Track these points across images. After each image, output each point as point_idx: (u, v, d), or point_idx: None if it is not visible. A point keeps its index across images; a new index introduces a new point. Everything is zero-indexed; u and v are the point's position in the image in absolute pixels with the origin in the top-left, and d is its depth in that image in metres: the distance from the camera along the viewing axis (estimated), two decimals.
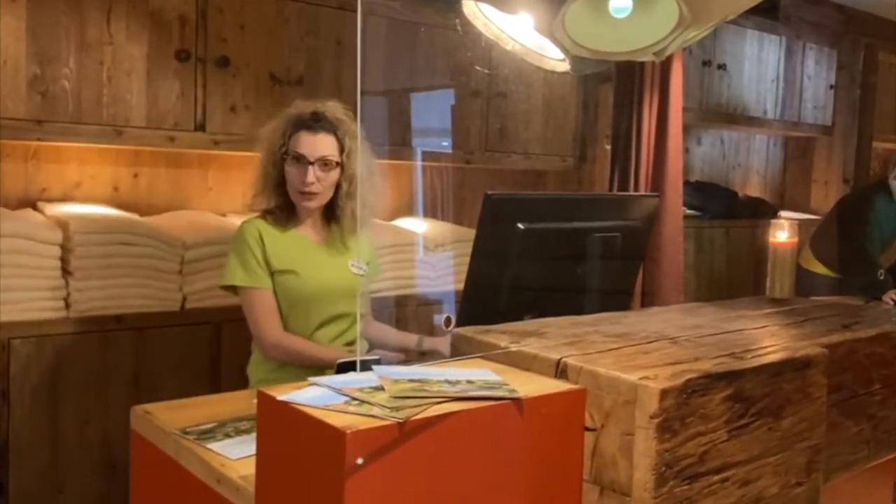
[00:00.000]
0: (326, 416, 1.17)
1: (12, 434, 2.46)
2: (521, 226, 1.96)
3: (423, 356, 2.25)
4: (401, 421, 1.16)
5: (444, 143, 3.40)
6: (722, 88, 4.46)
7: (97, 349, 2.58)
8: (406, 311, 3.15)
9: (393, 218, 3.61)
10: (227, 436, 1.63)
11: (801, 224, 2.52)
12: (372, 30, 3.11)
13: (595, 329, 1.72)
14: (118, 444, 2.56)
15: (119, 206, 2.93)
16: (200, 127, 2.78)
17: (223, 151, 2.92)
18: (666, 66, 3.62)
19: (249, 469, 1.38)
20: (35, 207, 2.79)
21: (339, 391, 1.27)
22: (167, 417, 1.72)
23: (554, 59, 1.97)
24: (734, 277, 4.57)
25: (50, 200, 2.84)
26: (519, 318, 1.84)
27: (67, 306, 2.55)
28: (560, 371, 1.43)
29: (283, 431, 1.25)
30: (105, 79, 2.61)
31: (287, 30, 2.93)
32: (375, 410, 1.19)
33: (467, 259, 2.00)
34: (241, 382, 2.29)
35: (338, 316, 2.23)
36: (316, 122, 2.17)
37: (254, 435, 1.37)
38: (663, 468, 1.31)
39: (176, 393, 2.54)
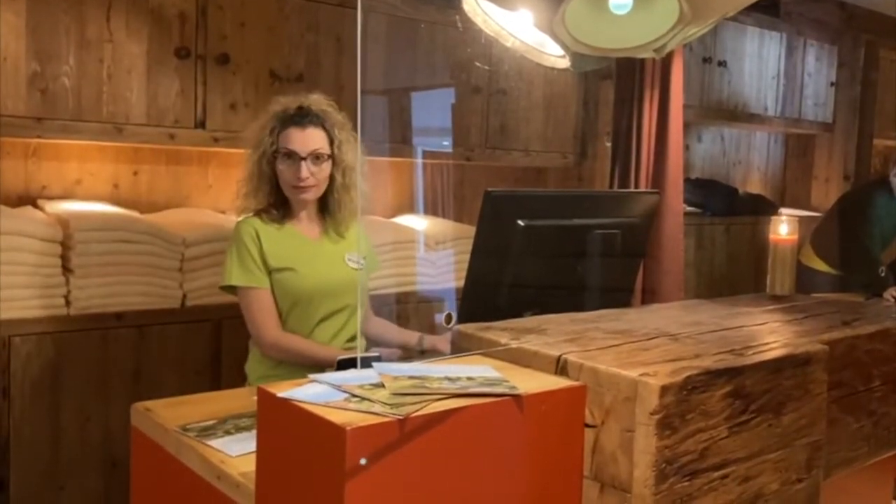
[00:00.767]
0: (327, 413, 1.17)
1: (13, 431, 2.46)
2: (521, 223, 1.96)
3: (423, 354, 2.25)
4: (401, 418, 1.16)
5: (445, 141, 3.40)
6: (722, 85, 4.46)
7: (98, 346, 2.58)
8: (407, 308, 3.15)
9: (393, 215, 3.61)
10: (228, 433, 1.63)
11: (802, 221, 2.52)
12: (372, 27, 3.10)
13: (595, 326, 1.72)
14: (119, 441, 2.57)
15: (119, 203, 2.93)
16: (200, 124, 2.78)
17: (223, 149, 2.92)
18: (666, 62, 3.61)
19: (250, 466, 1.38)
20: (35, 205, 2.79)
21: (340, 388, 1.27)
22: (168, 414, 1.73)
23: (554, 55, 1.97)
24: (734, 274, 4.57)
25: (50, 198, 2.84)
26: (519, 314, 1.84)
27: (68, 304, 2.55)
28: (560, 368, 1.43)
29: (284, 428, 1.25)
30: (105, 76, 2.60)
31: (287, 27, 2.93)
32: (376, 407, 1.19)
33: (468, 256, 2.00)
34: (242, 380, 2.29)
35: (338, 310, 2.22)
36: (303, 117, 2.17)
37: (254, 432, 1.37)
38: (663, 465, 1.31)
39: (176, 390, 2.56)
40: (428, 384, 1.29)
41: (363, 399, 1.23)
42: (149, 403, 1.81)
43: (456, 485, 1.24)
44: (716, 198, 4.61)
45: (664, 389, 1.30)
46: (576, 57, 1.90)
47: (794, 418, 1.54)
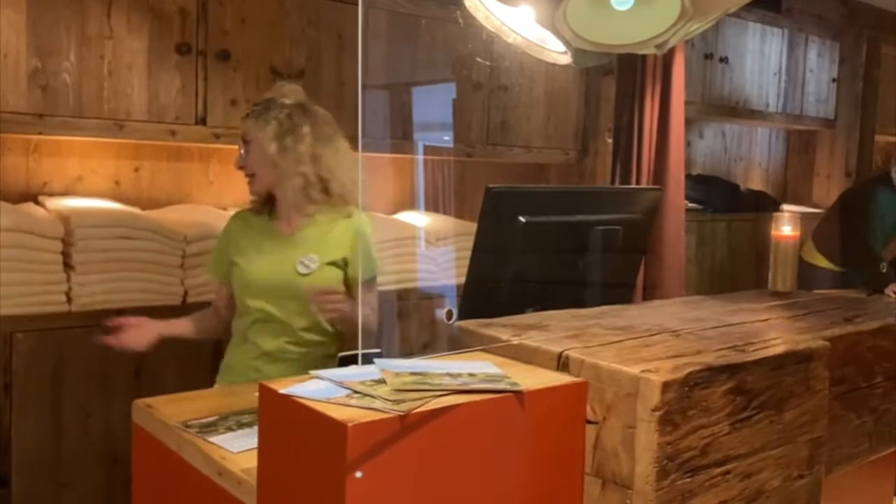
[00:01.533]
0: (328, 410, 1.17)
1: (15, 427, 2.46)
2: (522, 219, 1.96)
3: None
4: (402, 414, 1.16)
5: (446, 137, 3.39)
6: (724, 81, 4.45)
7: (99, 343, 2.58)
8: (408, 304, 3.15)
9: (394, 212, 3.61)
10: (229, 429, 1.63)
11: (804, 217, 2.52)
12: (373, 22, 3.10)
13: (597, 322, 1.72)
14: (120, 438, 2.56)
15: (120, 200, 2.93)
16: (201, 120, 2.78)
17: (224, 145, 2.92)
18: (668, 59, 3.61)
19: (251, 462, 1.38)
20: (36, 201, 2.79)
21: (341, 384, 1.27)
22: (169, 411, 1.73)
23: (556, 51, 1.96)
24: (736, 271, 4.57)
25: (51, 194, 2.84)
26: (521, 311, 1.84)
27: (69, 300, 2.55)
28: (562, 364, 1.43)
29: (285, 425, 1.25)
30: (106, 72, 2.60)
31: (288, 23, 2.93)
32: (377, 403, 1.19)
33: (469, 253, 2.00)
34: None
35: (273, 313, 2.12)
36: (256, 107, 2.16)
37: (255, 428, 1.37)
38: (665, 461, 1.31)
39: (178, 386, 2.55)
40: (429, 380, 1.29)
41: (365, 395, 1.23)
42: (150, 400, 1.81)
43: (457, 481, 1.24)
44: (717, 194, 4.61)
45: (666, 386, 1.30)
46: (577, 53, 1.90)
47: (795, 415, 1.54)
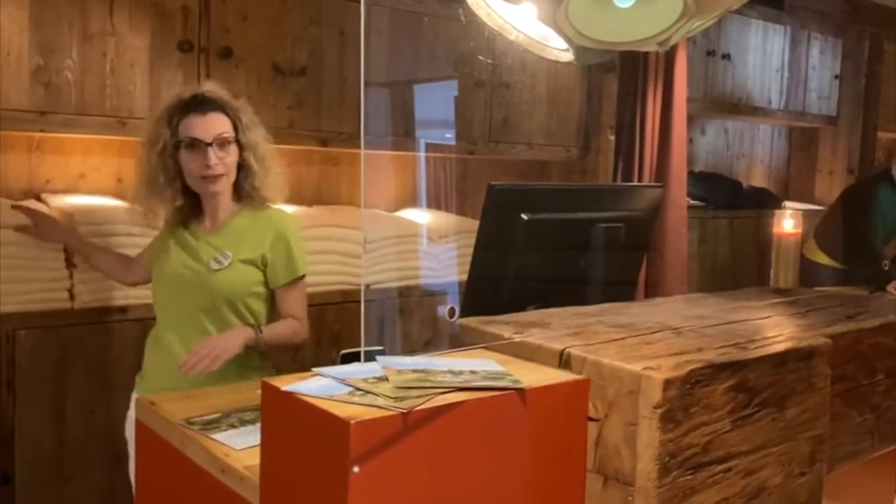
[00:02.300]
0: (331, 407, 1.17)
1: (18, 424, 2.47)
2: (524, 216, 1.96)
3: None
4: (405, 411, 1.16)
5: (448, 134, 3.39)
6: (726, 78, 4.45)
7: (102, 340, 2.58)
8: (410, 302, 3.15)
9: (396, 209, 3.61)
10: (232, 426, 1.63)
11: (806, 214, 2.52)
12: (375, 20, 3.10)
13: (599, 319, 1.72)
14: (123, 435, 2.57)
15: (123, 197, 2.93)
16: None
17: None
18: (670, 56, 3.61)
19: (254, 459, 1.38)
20: (39, 199, 2.79)
21: (344, 381, 1.28)
22: (172, 408, 1.73)
23: (557, 49, 1.96)
24: (738, 268, 4.56)
25: (54, 192, 2.84)
26: (522, 308, 1.84)
27: (72, 298, 2.55)
28: (564, 361, 1.43)
29: (288, 422, 1.25)
30: (108, 70, 2.60)
31: (290, 20, 2.93)
32: (379, 401, 1.19)
33: (471, 250, 2.00)
34: None
35: (184, 314, 2.09)
36: (201, 104, 2.06)
37: (258, 425, 1.37)
38: (667, 458, 1.32)
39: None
40: (432, 378, 1.29)
41: (367, 392, 1.23)
42: (153, 397, 1.81)
43: (459, 478, 1.24)
44: (719, 191, 4.60)
45: (667, 383, 1.30)
46: (579, 50, 1.89)
47: (797, 412, 1.54)
